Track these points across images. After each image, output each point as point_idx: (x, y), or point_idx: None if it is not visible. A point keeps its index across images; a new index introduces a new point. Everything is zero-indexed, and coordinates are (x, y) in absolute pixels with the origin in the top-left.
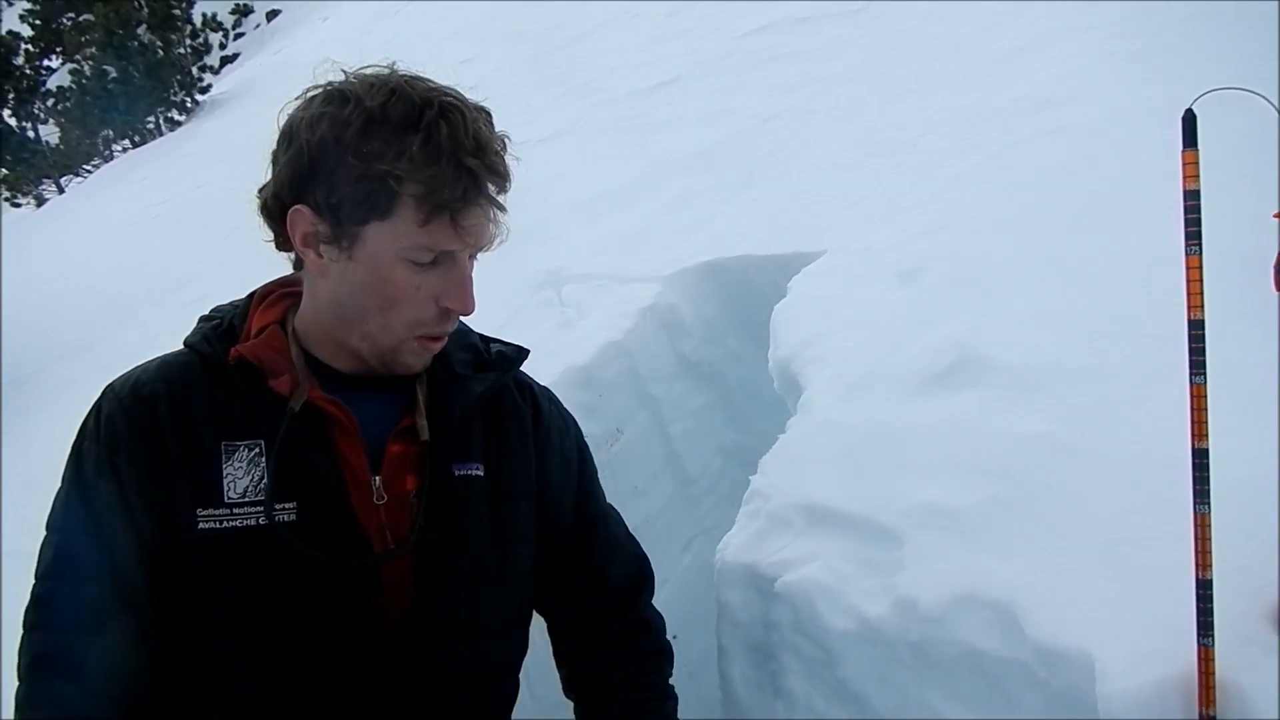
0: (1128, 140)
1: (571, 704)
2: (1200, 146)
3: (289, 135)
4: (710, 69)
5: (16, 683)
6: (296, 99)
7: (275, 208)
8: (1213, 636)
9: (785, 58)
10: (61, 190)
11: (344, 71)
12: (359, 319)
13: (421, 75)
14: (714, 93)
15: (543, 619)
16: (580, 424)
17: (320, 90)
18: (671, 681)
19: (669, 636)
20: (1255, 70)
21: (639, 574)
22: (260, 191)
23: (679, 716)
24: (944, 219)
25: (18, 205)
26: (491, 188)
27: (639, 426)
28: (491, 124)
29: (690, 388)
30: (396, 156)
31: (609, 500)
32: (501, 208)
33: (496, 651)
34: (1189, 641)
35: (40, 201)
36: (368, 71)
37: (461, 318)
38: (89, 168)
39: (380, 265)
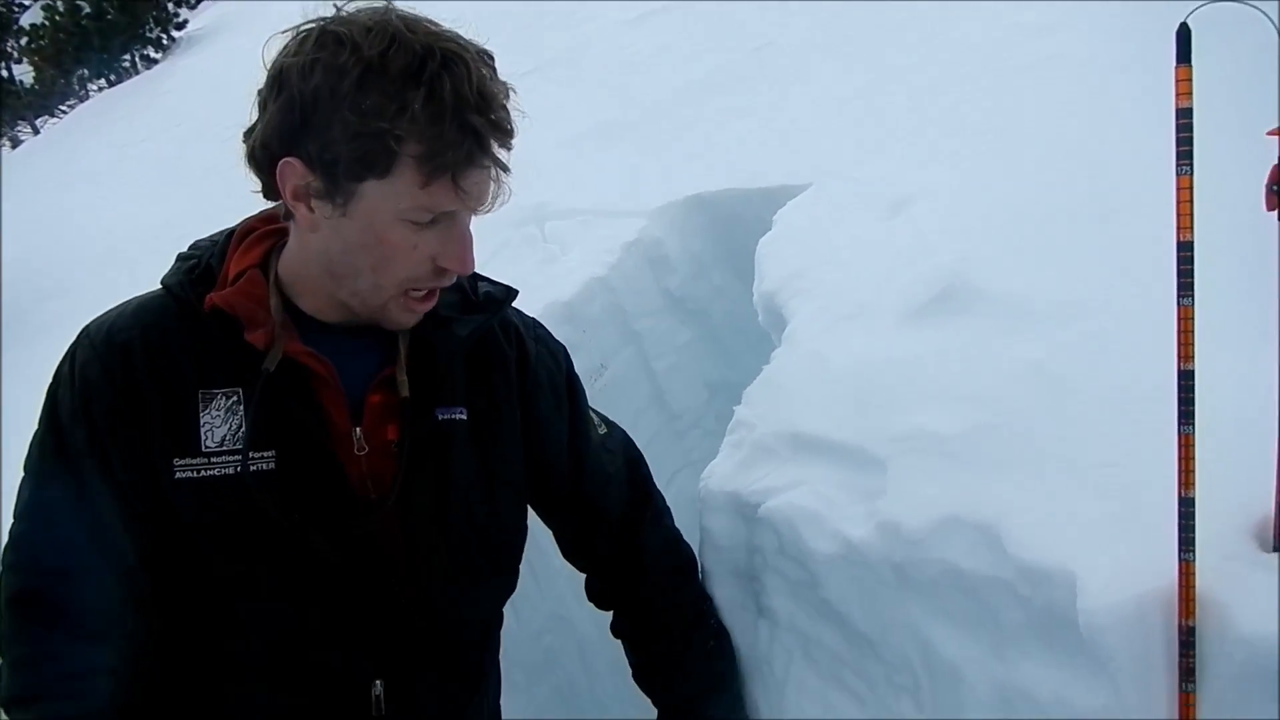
0: (1125, 64)
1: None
2: (1194, 63)
3: (278, 80)
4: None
5: None
6: (285, 33)
7: (264, 157)
8: (1194, 552)
9: None
10: (37, 131)
11: (336, 7)
12: (350, 275)
13: (418, 15)
14: (704, 24)
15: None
16: (557, 345)
17: (312, 30)
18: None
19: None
20: None
21: (638, 500)
22: (246, 137)
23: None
24: (935, 150)
25: None
26: (495, 146)
27: (623, 362)
28: (495, 71)
29: (675, 324)
30: (397, 114)
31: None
32: (505, 167)
33: (486, 596)
34: (1171, 558)
35: (15, 143)
36: (362, 11)
37: None
38: (65, 108)
39: (376, 224)
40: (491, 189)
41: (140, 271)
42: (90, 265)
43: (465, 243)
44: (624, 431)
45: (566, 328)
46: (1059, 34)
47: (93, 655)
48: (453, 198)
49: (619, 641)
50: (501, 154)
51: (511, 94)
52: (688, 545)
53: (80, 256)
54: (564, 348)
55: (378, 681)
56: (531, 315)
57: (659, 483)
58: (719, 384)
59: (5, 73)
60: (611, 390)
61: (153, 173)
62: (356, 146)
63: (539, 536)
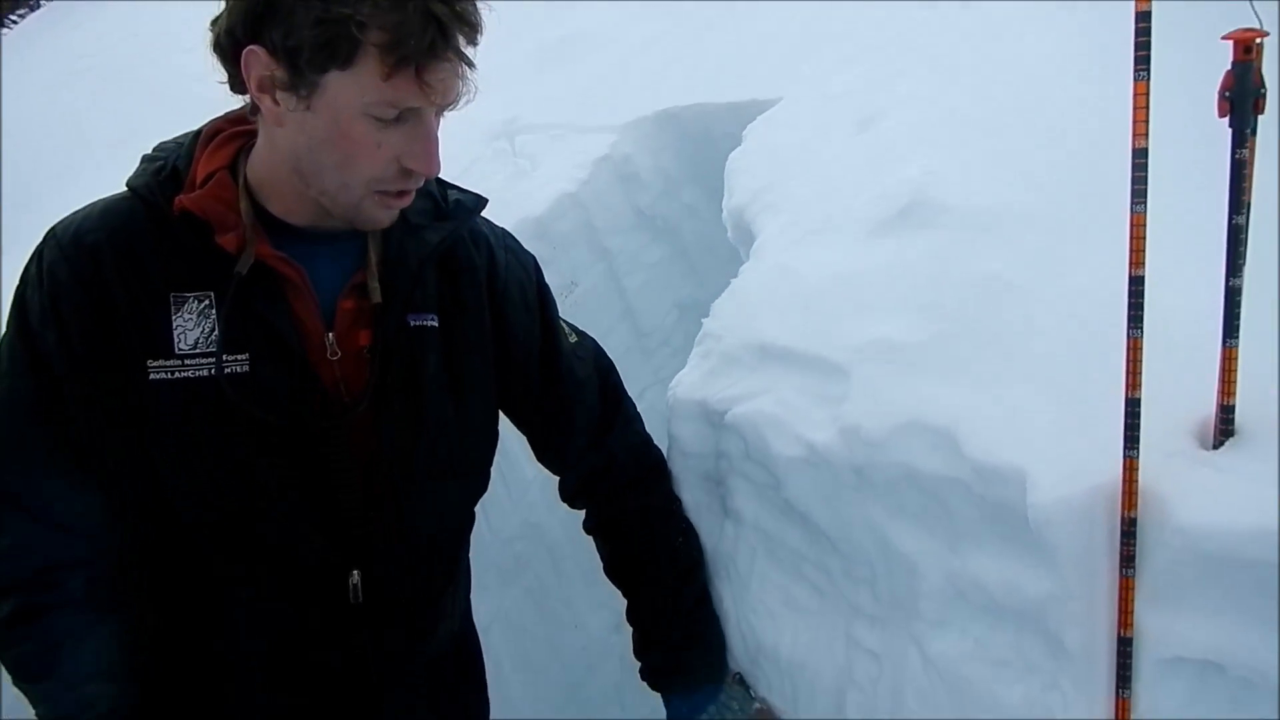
0: None
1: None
2: None
3: None
4: None
5: None
6: None
7: (228, 45)
8: (1138, 449)
9: None
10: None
11: None
12: (317, 174)
13: None
14: None
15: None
16: (527, 255)
17: None
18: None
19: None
20: None
21: (609, 405)
22: (213, 24)
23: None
24: (904, 64)
25: None
26: (461, 40)
27: (594, 279)
28: None
29: (646, 241)
30: (360, 0)
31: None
32: (470, 63)
33: (456, 494)
34: (1116, 456)
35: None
36: None
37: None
38: (14, 18)
39: (340, 119)
40: (457, 86)
41: (97, 184)
42: (45, 179)
43: (431, 142)
44: (595, 341)
45: (537, 244)
46: None
47: (67, 548)
48: (416, 92)
49: (588, 547)
50: (468, 50)
51: None
52: (658, 449)
53: (34, 170)
54: (534, 258)
55: (355, 571)
56: (502, 227)
57: None
58: (689, 303)
59: None
60: (582, 307)
61: (107, 83)
62: (319, 34)
63: (510, 445)
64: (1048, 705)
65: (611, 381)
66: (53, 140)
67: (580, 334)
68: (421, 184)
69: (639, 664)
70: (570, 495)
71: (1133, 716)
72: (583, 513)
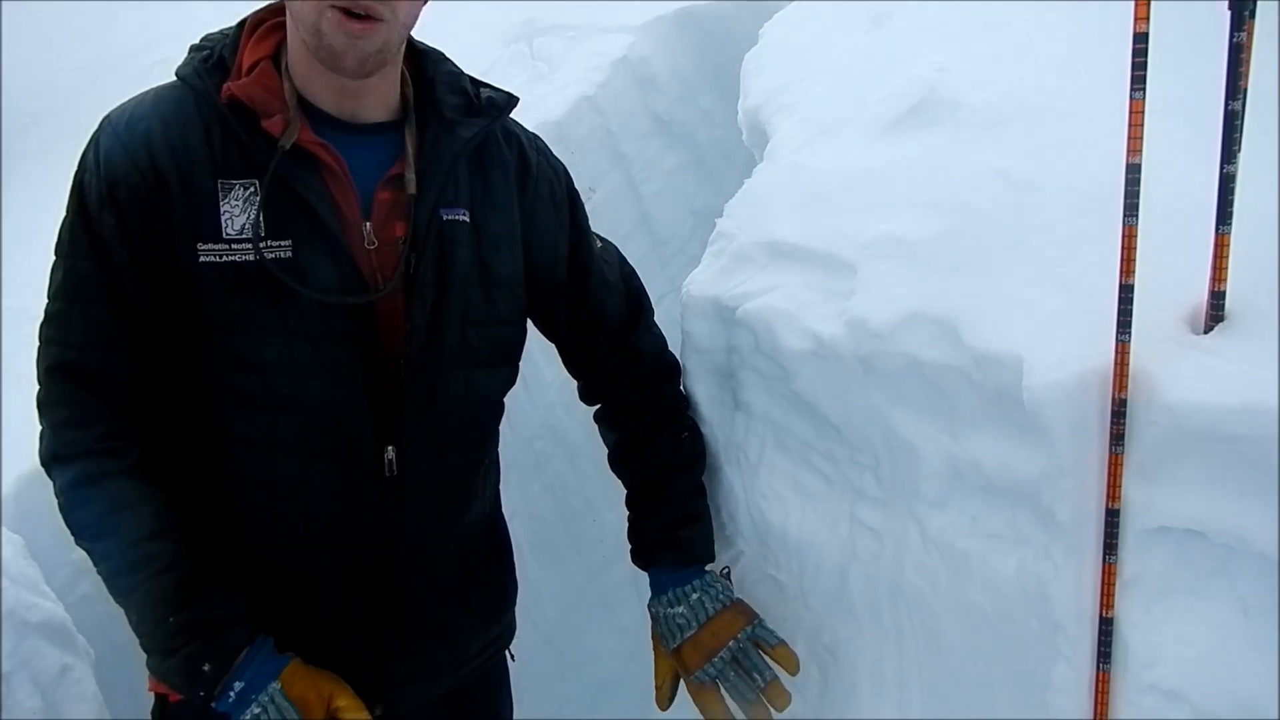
0: None
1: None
2: None
3: None
4: None
5: (38, 386)
6: None
7: None
8: (1130, 333)
9: None
10: None
11: None
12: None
13: None
14: None
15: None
16: (558, 161)
17: None
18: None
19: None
20: None
21: (635, 306)
22: None
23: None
24: None
25: None
26: None
27: (611, 186)
28: None
29: (663, 147)
30: None
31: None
32: None
33: (485, 382)
34: (1110, 340)
35: None
36: None
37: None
38: None
39: None
40: None
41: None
42: (73, 91)
43: None
44: (616, 247)
45: (556, 148)
46: None
47: (126, 418)
48: None
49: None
50: None
51: None
52: (673, 353)
53: (62, 82)
54: (564, 165)
55: (390, 447)
56: (533, 131)
57: None
58: (704, 211)
59: None
60: (599, 214)
61: None
62: None
63: (531, 348)
64: (1039, 573)
65: (635, 285)
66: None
67: (604, 240)
68: (372, 5)
69: (631, 546)
70: (593, 394)
71: (1118, 580)
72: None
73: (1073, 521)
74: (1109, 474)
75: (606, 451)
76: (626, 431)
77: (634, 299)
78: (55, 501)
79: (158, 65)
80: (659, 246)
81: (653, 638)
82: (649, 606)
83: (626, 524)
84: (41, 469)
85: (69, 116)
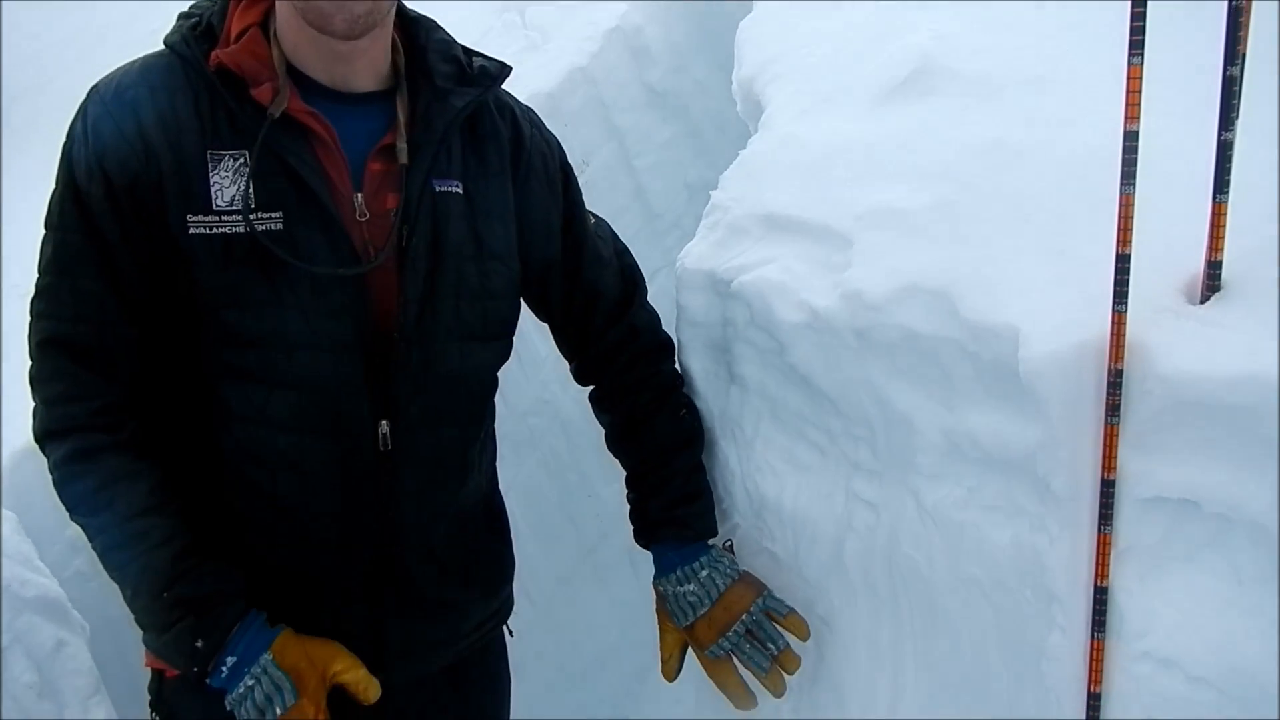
0: None
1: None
2: None
3: None
4: None
5: (30, 362)
6: None
7: None
8: (1126, 304)
9: None
10: None
11: None
12: None
13: None
14: None
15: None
16: (551, 134)
17: None
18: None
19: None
20: None
21: (629, 283)
22: None
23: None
24: None
25: None
26: None
27: (605, 158)
28: None
29: (657, 120)
30: None
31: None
32: None
33: (479, 355)
34: (1106, 311)
35: None
36: None
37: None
38: None
39: None
40: None
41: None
42: (61, 62)
43: None
44: (609, 224)
45: (550, 121)
46: None
47: (120, 393)
48: None
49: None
50: None
51: None
52: (666, 331)
53: (50, 53)
54: (557, 139)
55: (383, 421)
56: (526, 104)
57: None
58: (699, 184)
59: None
60: (593, 188)
61: None
62: None
63: (524, 324)
64: (1034, 544)
65: (628, 262)
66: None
67: (597, 217)
68: None
69: (633, 526)
70: (586, 374)
71: (1112, 551)
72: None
73: (1068, 492)
74: (1105, 445)
75: (603, 432)
76: (623, 411)
77: (628, 275)
78: (49, 478)
79: (151, 35)
80: (653, 220)
81: (659, 614)
82: (656, 584)
83: (627, 503)
84: (35, 445)
85: (60, 88)
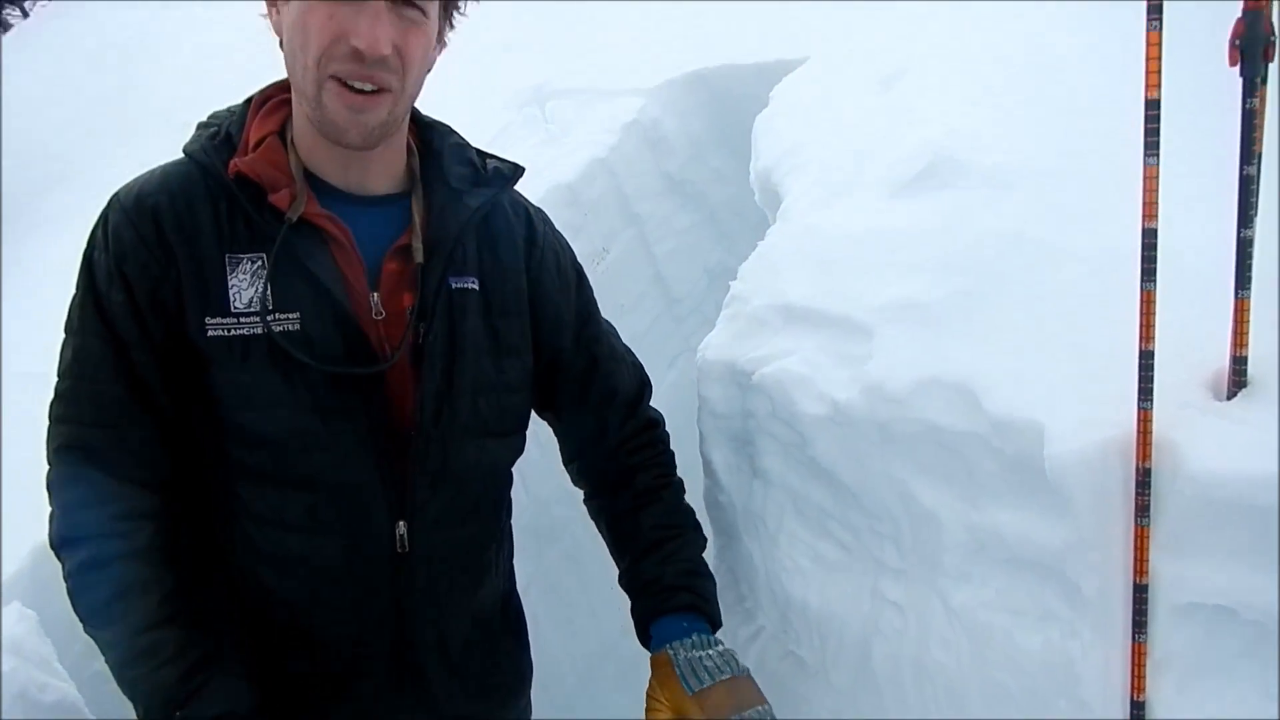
0: None
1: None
2: None
3: None
4: None
5: (47, 467)
6: None
7: None
8: (1152, 400)
9: None
10: (26, 15)
11: None
12: (292, 68)
13: None
14: None
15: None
16: (564, 238)
17: None
18: None
19: None
20: None
21: (642, 380)
22: None
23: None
24: (927, 21)
25: None
26: None
27: (625, 245)
28: None
29: (675, 207)
30: None
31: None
32: None
33: (496, 451)
34: (1131, 407)
35: (5, 27)
36: None
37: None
38: None
39: (303, 3)
40: None
41: (143, 155)
42: (93, 153)
43: (376, 21)
44: (613, 325)
45: (569, 211)
46: None
47: (137, 499)
48: None
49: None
50: None
51: None
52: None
53: (82, 144)
54: (567, 241)
55: (400, 522)
56: (534, 202)
57: (659, 368)
58: (718, 269)
59: None
60: (613, 274)
61: (152, 55)
62: None
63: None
64: (1066, 651)
65: (636, 359)
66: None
67: (605, 320)
68: (377, 76)
69: (638, 601)
70: (592, 465)
71: (1148, 660)
72: None
73: (1099, 597)
74: (1135, 547)
75: (603, 522)
76: (631, 491)
77: (640, 372)
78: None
79: (184, 128)
80: (673, 305)
81: (659, 684)
82: (662, 651)
83: (627, 575)
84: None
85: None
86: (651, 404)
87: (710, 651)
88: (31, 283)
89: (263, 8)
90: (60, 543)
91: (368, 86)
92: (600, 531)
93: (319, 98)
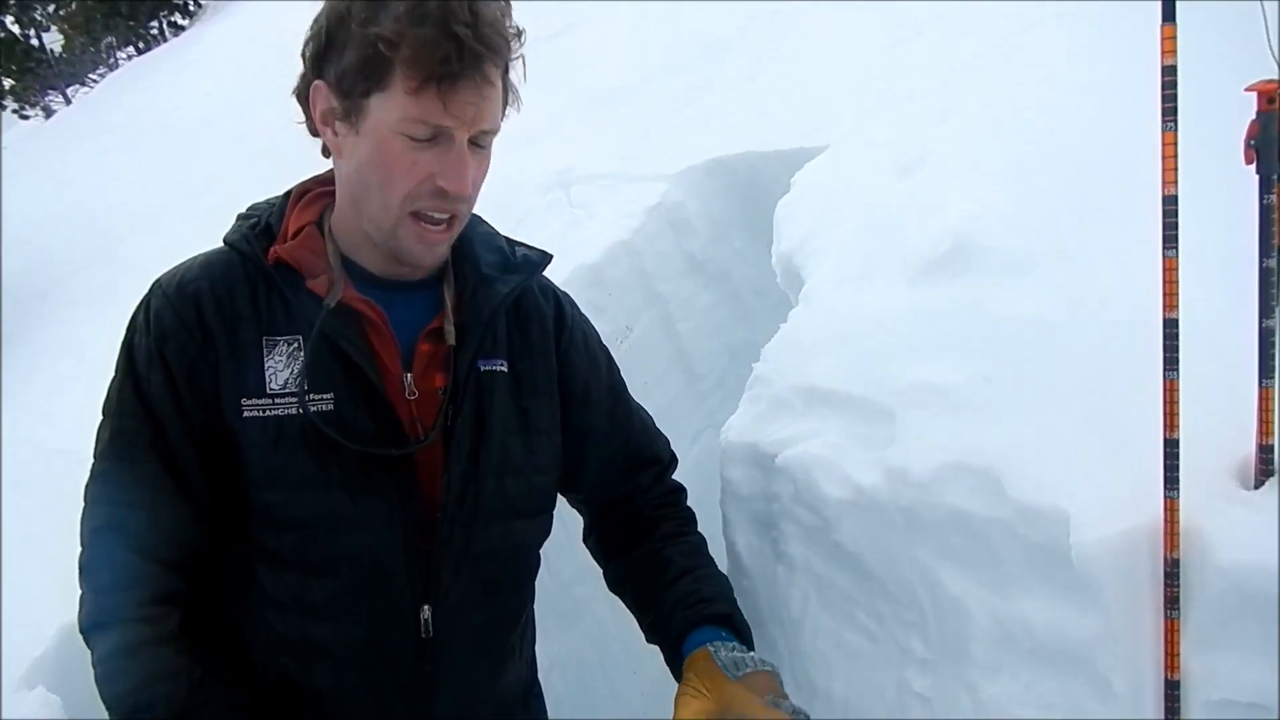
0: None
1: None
2: (1179, 22)
3: (315, 17)
4: None
5: (80, 549)
6: None
7: (302, 87)
8: (1178, 489)
9: None
10: (69, 101)
11: None
12: (365, 198)
13: None
14: None
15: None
16: (591, 322)
17: None
18: None
19: None
20: None
21: (670, 453)
22: (301, 77)
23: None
24: (947, 108)
25: (25, 118)
26: (484, 62)
27: (648, 324)
28: (504, 4)
29: (698, 286)
30: (389, 21)
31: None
32: (493, 84)
33: (524, 532)
34: (1157, 495)
35: (49, 113)
36: None
37: (485, 219)
38: (95, 77)
39: (380, 138)
40: (485, 108)
41: (175, 237)
42: (127, 234)
43: (462, 164)
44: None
45: (593, 291)
46: None
47: (168, 582)
48: (441, 110)
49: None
50: (491, 72)
51: (516, 27)
52: None
53: (116, 225)
54: (592, 324)
55: (425, 606)
56: (558, 284)
57: (682, 444)
58: (740, 346)
59: (35, 41)
60: (636, 353)
61: (184, 140)
62: (359, 58)
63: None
64: None
65: (663, 437)
66: (139, 192)
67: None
68: (453, 207)
69: (669, 620)
70: (613, 521)
71: None
72: None
73: (1131, 692)
74: (1166, 641)
75: (628, 580)
76: (657, 534)
77: (667, 446)
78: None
79: (213, 210)
80: (696, 382)
81: (698, 673)
82: (702, 647)
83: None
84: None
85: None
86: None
87: (749, 655)
88: (71, 358)
89: (297, 112)
90: (90, 626)
91: (443, 216)
92: (624, 595)
93: (395, 230)
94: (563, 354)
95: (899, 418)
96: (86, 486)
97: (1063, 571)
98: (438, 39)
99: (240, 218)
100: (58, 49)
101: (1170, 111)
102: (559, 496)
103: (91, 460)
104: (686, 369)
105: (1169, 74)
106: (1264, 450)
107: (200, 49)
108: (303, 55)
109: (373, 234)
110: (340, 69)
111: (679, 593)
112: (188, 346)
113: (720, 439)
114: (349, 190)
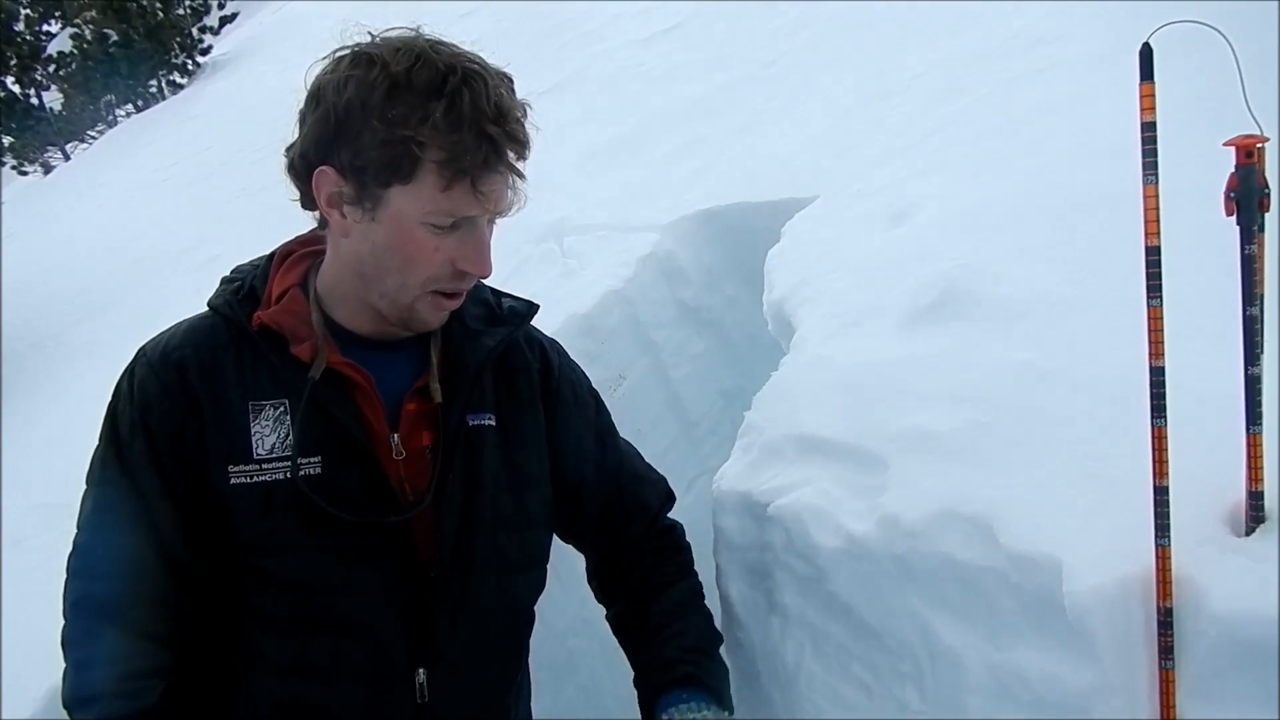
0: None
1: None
2: (1157, 79)
3: (316, 96)
4: (710, 15)
5: (62, 622)
6: (323, 59)
7: (302, 167)
8: (1169, 537)
9: (786, 1)
10: (68, 158)
11: (370, 34)
12: (378, 277)
13: (446, 40)
14: (713, 39)
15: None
16: (584, 370)
17: (347, 53)
18: None
19: None
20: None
21: (665, 494)
22: (288, 151)
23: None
24: (936, 160)
25: (24, 174)
26: (511, 155)
27: (641, 372)
28: (513, 90)
29: (690, 334)
30: (420, 122)
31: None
32: (520, 175)
33: (518, 587)
34: (1149, 543)
35: (47, 169)
36: (393, 35)
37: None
38: (94, 134)
39: (402, 228)
40: (509, 195)
41: (171, 291)
42: (123, 287)
43: (483, 246)
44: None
45: (586, 340)
46: (1050, 46)
47: (150, 656)
48: (472, 202)
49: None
50: (517, 163)
51: (528, 110)
52: None
53: (113, 279)
54: (581, 368)
55: (420, 670)
56: (549, 332)
57: (678, 490)
58: (733, 391)
59: (35, 100)
60: (629, 400)
61: (181, 196)
62: (384, 153)
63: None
64: None
65: (657, 476)
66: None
67: (625, 440)
68: (472, 284)
69: (646, 676)
70: (625, 575)
71: None
72: None
73: None
74: (1161, 691)
75: (619, 630)
76: (643, 587)
77: (663, 486)
78: None
79: (208, 264)
80: (690, 428)
81: None
82: (663, 714)
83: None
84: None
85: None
86: (670, 515)
87: (706, 714)
88: (67, 411)
89: (291, 190)
90: (72, 702)
91: (461, 289)
92: (620, 645)
93: (412, 306)
94: (550, 404)
95: (891, 465)
96: (69, 558)
97: (1057, 621)
98: (473, 143)
99: (224, 281)
100: (57, 107)
101: (1151, 165)
102: (556, 542)
103: (75, 530)
104: (680, 416)
105: (1148, 129)
106: (1254, 497)
107: (198, 107)
108: (301, 132)
109: (384, 308)
110: (358, 160)
111: (648, 655)
112: (171, 414)
113: (712, 488)
114: (357, 269)
